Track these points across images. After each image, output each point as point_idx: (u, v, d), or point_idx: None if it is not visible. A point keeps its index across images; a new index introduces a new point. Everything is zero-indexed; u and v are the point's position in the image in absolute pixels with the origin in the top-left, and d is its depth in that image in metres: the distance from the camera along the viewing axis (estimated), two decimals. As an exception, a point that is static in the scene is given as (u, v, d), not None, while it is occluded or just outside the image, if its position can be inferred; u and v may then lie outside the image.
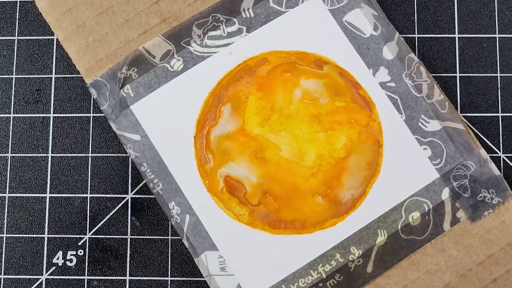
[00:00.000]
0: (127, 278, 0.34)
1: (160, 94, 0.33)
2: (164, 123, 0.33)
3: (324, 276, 0.32)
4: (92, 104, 0.36)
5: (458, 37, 0.35)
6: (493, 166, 0.32)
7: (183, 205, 0.32)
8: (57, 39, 0.36)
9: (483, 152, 0.32)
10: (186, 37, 0.34)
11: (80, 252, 0.34)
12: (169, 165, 0.33)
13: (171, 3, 0.34)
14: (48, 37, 0.36)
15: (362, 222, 0.32)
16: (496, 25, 0.35)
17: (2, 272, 0.34)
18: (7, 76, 0.36)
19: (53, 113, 0.36)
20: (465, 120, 0.34)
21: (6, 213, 0.35)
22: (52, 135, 0.35)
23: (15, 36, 0.36)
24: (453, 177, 0.32)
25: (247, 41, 0.34)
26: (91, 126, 0.35)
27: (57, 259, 0.34)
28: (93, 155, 0.35)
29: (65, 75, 0.36)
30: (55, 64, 0.36)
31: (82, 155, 0.35)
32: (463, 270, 0.32)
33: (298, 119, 0.33)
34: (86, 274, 0.34)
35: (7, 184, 0.35)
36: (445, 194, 0.32)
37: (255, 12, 0.34)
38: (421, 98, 0.33)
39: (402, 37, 0.34)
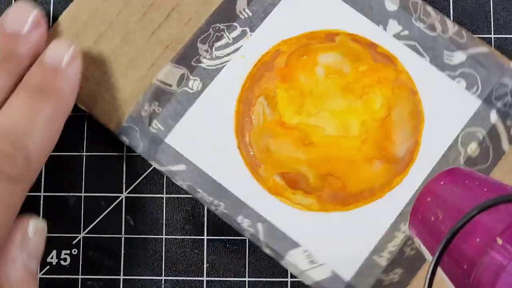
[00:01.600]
0: (121, 277, 0.34)
1: (189, 118, 0.33)
2: (204, 144, 0.33)
3: (408, 233, 0.32)
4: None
5: (454, 38, 0.35)
6: (527, 75, 0.33)
7: (252, 215, 0.32)
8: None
9: (513, 65, 0.33)
10: (194, 56, 0.33)
11: (74, 251, 0.34)
12: (224, 183, 0.32)
13: (168, 28, 0.34)
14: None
15: (425, 170, 0.32)
16: (492, 26, 0.35)
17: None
18: None
19: None
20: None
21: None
22: None
23: None
24: (495, 98, 0.32)
25: (255, 40, 0.34)
26: (86, 124, 0.35)
27: (51, 258, 0.34)
28: (87, 154, 0.35)
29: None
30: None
31: (76, 153, 0.35)
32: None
33: (330, 95, 0.33)
34: (80, 273, 0.34)
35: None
36: (493, 116, 0.32)
37: (252, 10, 0.34)
38: (437, 36, 0.33)
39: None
